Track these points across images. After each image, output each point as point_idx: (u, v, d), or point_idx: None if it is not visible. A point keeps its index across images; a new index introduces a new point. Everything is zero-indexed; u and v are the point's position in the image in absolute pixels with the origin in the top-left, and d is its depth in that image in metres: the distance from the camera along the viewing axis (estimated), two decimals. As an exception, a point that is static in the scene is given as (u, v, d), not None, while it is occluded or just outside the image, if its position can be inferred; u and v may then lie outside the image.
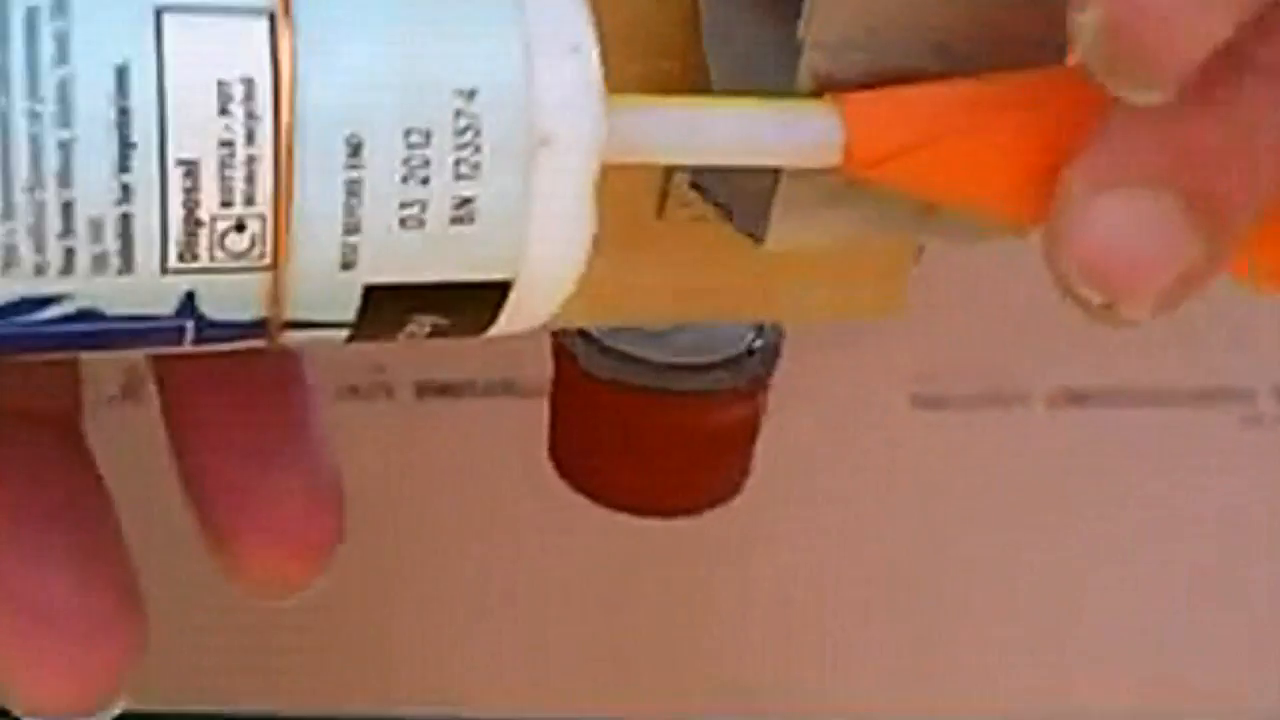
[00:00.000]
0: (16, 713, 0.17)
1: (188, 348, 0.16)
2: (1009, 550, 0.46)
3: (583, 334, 0.24)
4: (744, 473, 0.25)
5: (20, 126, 0.14)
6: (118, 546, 0.19)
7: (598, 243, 0.21)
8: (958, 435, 0.45)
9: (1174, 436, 0.45)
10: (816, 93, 0.18)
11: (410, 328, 0.16)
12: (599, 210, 0.17)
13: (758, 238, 0.20)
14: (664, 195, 0.22)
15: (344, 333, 0.16)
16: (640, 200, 0.22)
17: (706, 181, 0.21)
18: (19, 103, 0.14)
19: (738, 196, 0.20)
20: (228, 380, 0.20)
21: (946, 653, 0.43)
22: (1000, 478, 0.46)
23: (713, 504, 0.25)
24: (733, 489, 0.26)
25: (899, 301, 0.24)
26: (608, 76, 0.16)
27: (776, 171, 0.19)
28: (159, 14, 0.14)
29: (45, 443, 0.19)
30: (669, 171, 0.22)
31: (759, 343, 0.25)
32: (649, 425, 0.24)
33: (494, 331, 0.17)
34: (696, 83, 0.20)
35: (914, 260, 0.24)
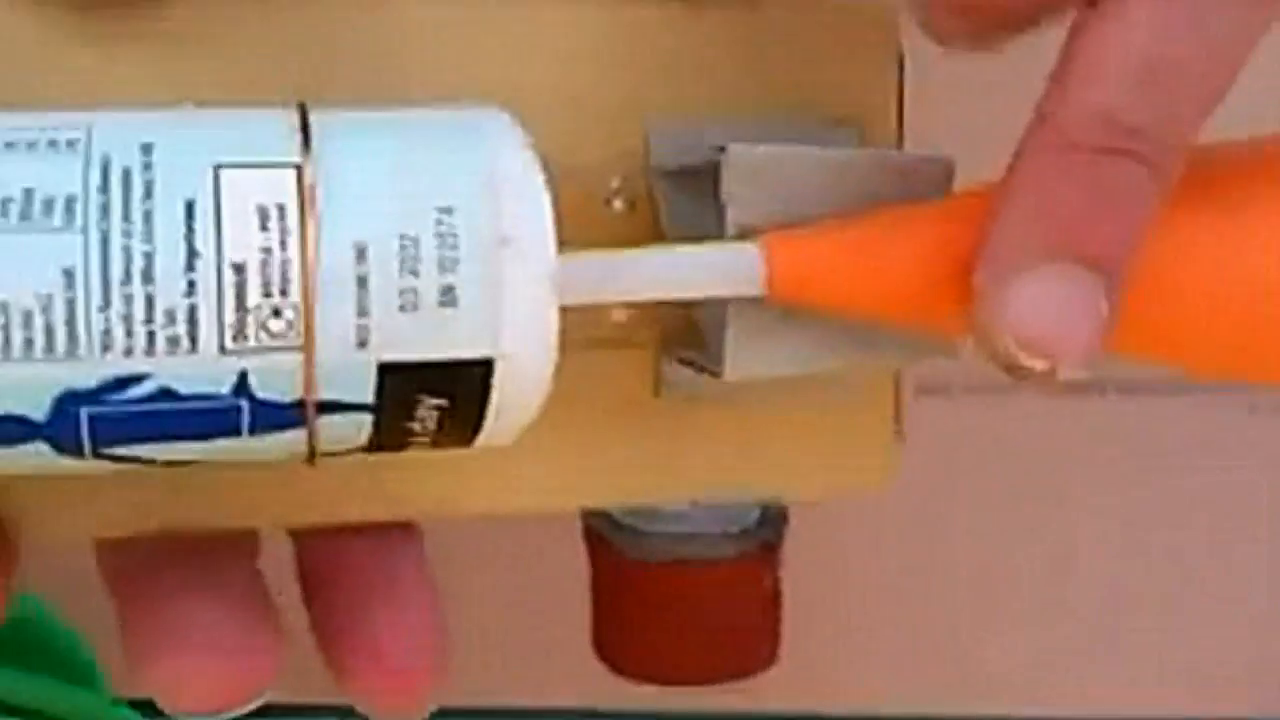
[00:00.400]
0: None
1: (245, 439, 0.20)
2: (1010, 536, 0.45)
3: (605, 516, 0.28)
4: (775, 638, 0.28)
5: (117, 243, 0.19)
6: (259, 579, 0.23)
7: (608, 427, 0.26)
8: (960, 422, 0.45)
9: (1179, 424, 0.45)
10: (741, 238, 0.23)
11: (420, 411, 0.21)
12: (562, 333, 0.21)
13: (717, 372, 0.24)
14: (658, 378, 0.26)
15: (368, 418, 0.21)
16: (636, 384, 0.26)
17: (683, 351, 0.26)
18: (117, 225, 0.19)
19: (701, 347, 0.25)
20: (352, 542, 0.24)
21: (945, 640, 0.40)
22: (1002, 465, 0.45)
23: (749, 669, 0.27)
24: (768, 654, 0.28)
25: (886, 476, 0.28)
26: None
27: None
28: (217, 169, 0.20)
29: None
30: (659, 355, 0.26)
31: (769, 512, 0.28)
32: (665, 595, 0.27)
33: (488, 423, 0.21)
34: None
35: (898, 437, 0.28)
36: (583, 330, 0.25)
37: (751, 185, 0.23)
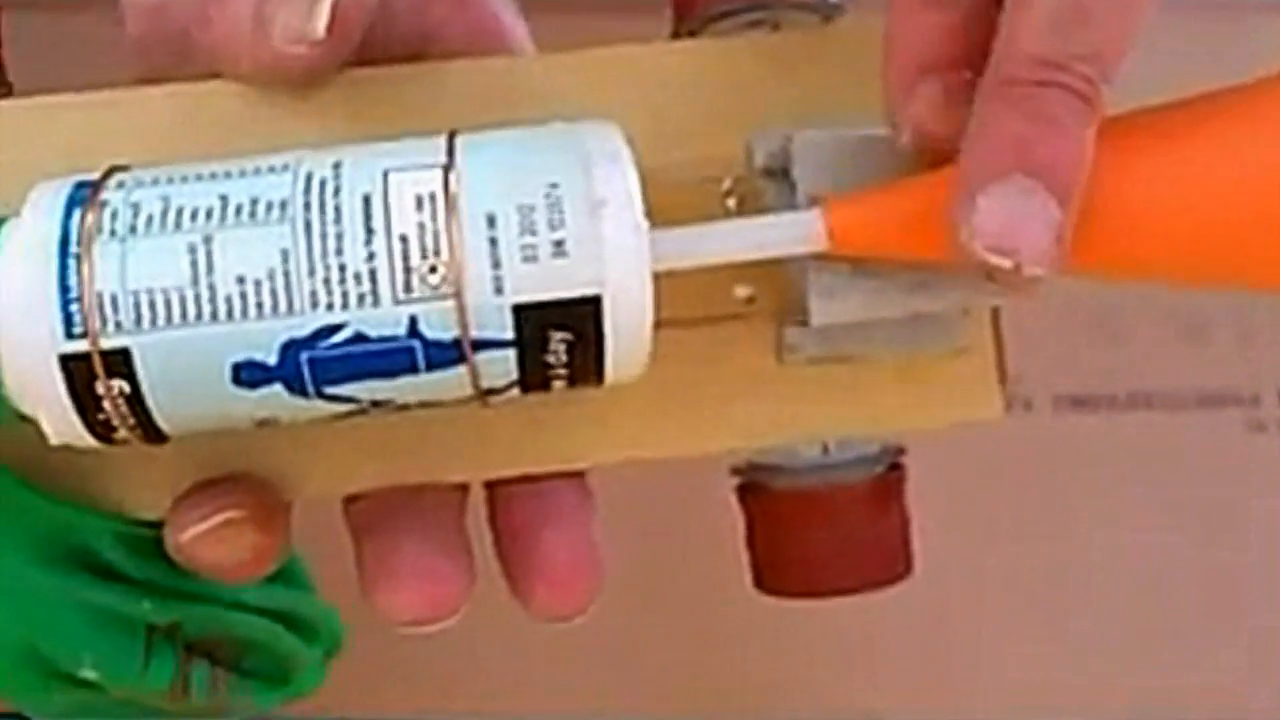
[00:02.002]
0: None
1: (423, 375, 0.27)
2: (1014, 550, 0.46)
3: (751, 464, 0.34)
4: (909, 550, 0.33)
5: (317, 229, 0.26)
6: (462, 523, 0.31)
7: (738, 390, 0.32)
8: (964, 438, 0.44)
9: (1179, 440, 0.45)
10: (809, 207, 0.29)
11: (552, 344, 0.27)
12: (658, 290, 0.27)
13: (806, 321, 0.30)
14: (780, 346, 0.32)
15: (512, 353, 0.27)
16: (761, 354, 0.32)
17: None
18: (316, 216, 0.26)
19: (799, 306, 0.30)
20: (529, 487, 0.31)
21: (950, 651, 0.40)
22: (1006, 480, 0.46)
23: (892, 578, 0.32)
24: (905, 566, 0.33)
25: (993, 405, 0.32)
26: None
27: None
28: (386, 173, 0.27)
29: None
30: (779, 327, 0.32)
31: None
32: (816, 516, 0.32)
33: (608, 354, 0.27)
34: None
35: (1001, 377, 0.32)
36: (711, 308, 0.32)
37: (814, 163, 0.29)
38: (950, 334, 0.32)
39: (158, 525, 0.31)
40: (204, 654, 0.33)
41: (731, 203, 0.32)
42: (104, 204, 0.27)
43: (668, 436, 0.32)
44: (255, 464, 0.31)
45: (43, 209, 0.27)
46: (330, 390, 0.27)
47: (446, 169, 0.27)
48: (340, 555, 0.31)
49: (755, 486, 0.33)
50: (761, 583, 0.33)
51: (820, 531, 0.32)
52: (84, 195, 0.27)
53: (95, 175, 0.28)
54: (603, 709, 0.47)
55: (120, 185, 0.27)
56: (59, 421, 0.27)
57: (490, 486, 0.32)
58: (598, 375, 0.28)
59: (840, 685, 0.48)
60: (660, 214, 0.27)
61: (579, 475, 0.32)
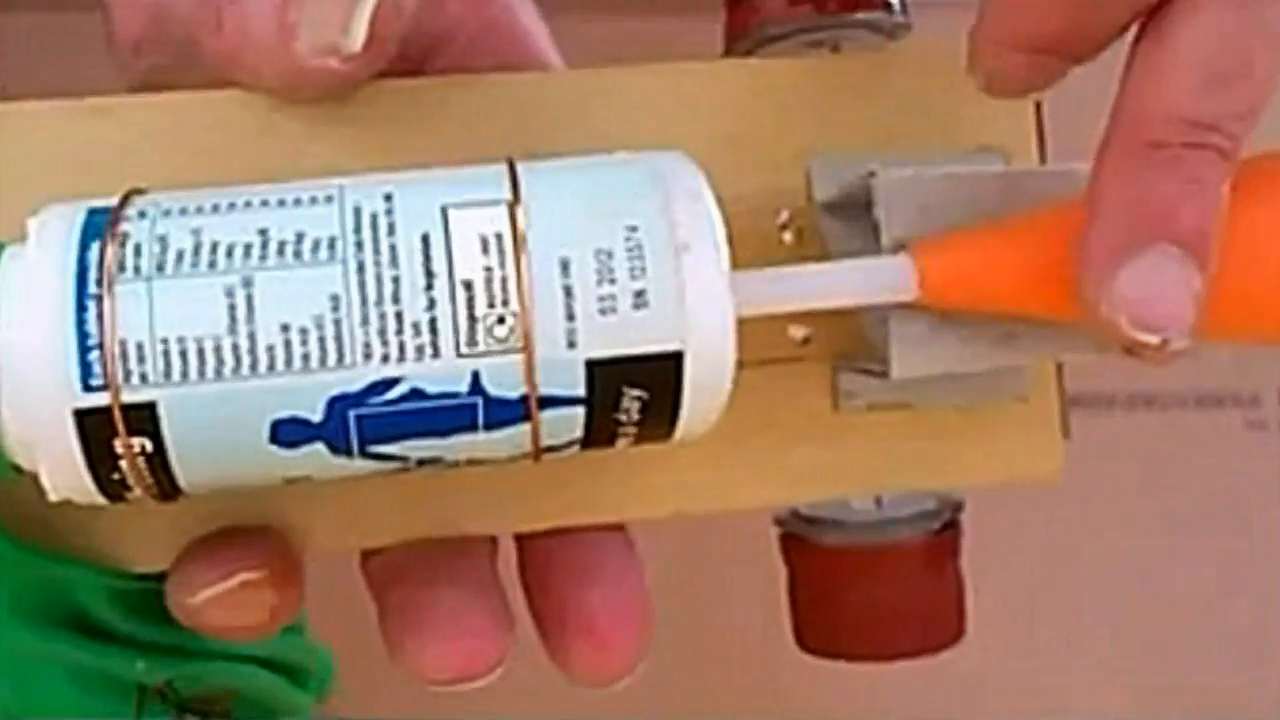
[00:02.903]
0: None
1: (481, 434, 0.24)
2: (1014, 550, 0.45)
3: (798, 516, 0.31)
4: (963, 612, 0.31)
5: (371, 272, 0.23)
6: (495, 574, 0.28)
7: (793, 438, 0.29)
8: None
9: (1179, 440, 0.44)
10: (894, 252, 0.27)
11: (624, 402, 0.25)
12: (740, 338, 0.25)
13: (885, 373, 0.27)
14: (836, 391, 0.30)
15: (581, 410, 0.24)
16: (817, 399, 0.30)
17: (855, 363, 0.29)
18: (370, 258, 0.24)
19: (871, 354, 0.28)
20: (567, 536, 0.28)
21: (949, 653, 0.41)
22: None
23: (944, 643, 0.30)
24: (958, 628, 0.31)
25: (1055, 464, 0.30)
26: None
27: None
28: (444, 209, 0.24)
29: None
30: (835, 371, 0.30)
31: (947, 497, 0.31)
32: (865, 576, 0.30)
33: (684, 411, 0.25)
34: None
35: (1064, 431, 0.31)
36: (765, 350, 0.29)
37: (899, 204, 0.27)
38: (1015, 383, 0.30)
39: (152, 578, 0.28)
40: (194, 710, 0.30)
41: (788, 236, 0.30)
42: (125, 236, 0.24)
43: (718, 489, 0.29)
44: (269, 516, 0.28)
45: (53, 239, 0.24)
46: (376, 449, 0.24)
47: (512, 206, 0.24)
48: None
49: (800, 539, 0.31)
50: (803, 641, 0.31)
51: (871, 593, 0.30)
52: (100, 224, 0.24)
53: (111, 200, 0.24)
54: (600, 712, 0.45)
55: (142, 215, 0.24)
56: (65, 478, 0.24)
57: (521, 539, 0.29)
58: (668, 433, 0.26)
59: (838, 690, 0.47)
60: None
61: (620, 528, 0.29)
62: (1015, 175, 0.28)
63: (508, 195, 0.24)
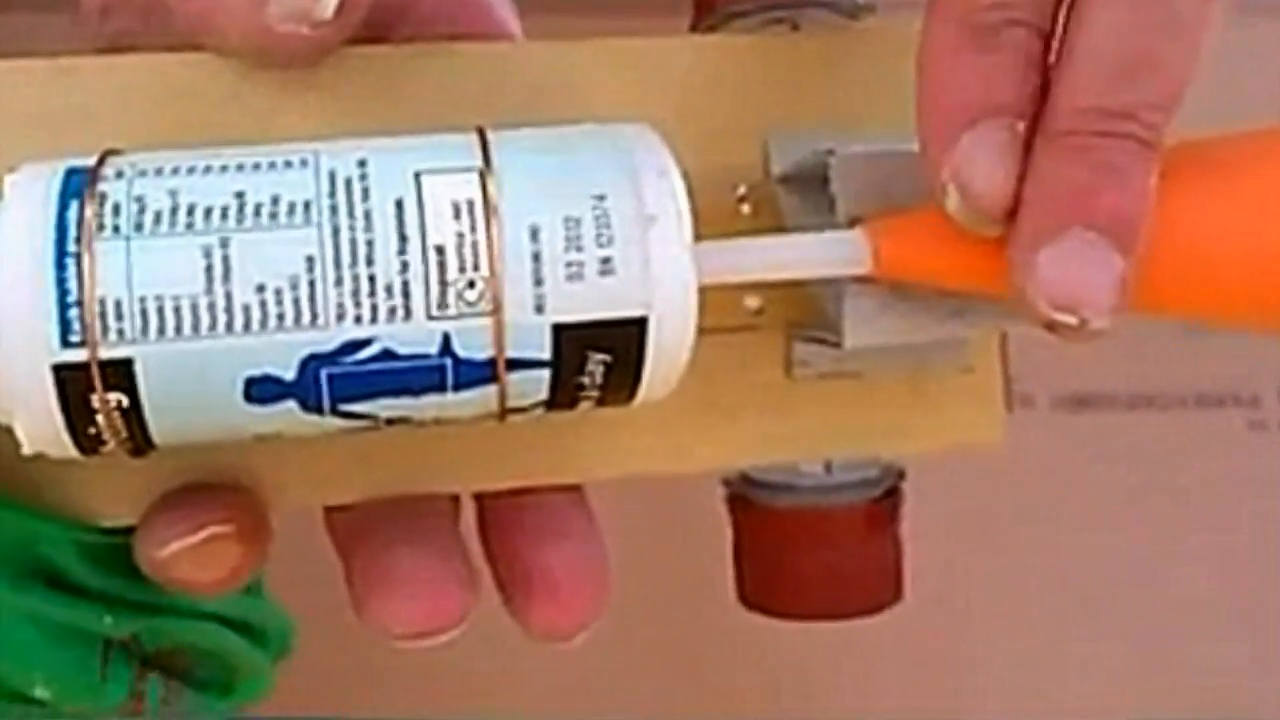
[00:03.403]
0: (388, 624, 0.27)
1: (449, 395, 0.25)
2: (1013, 551, 0.46)
3: (746, 478, 0.33)
4: (900, 577, 0.32)
5: (345, 235, 0.24)
6: (458, 533, 0.29)
7: (747, 404, 0.30)
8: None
9: (1179, 440, 0.45)
10: (849, 227, 0.28)
11: (589, 366, 0.25)
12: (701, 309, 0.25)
13: (838, 342, 0.28)
14: (789, 360, 0.31)
15: (546, 373, 0.25)
16: (770, 368, 0.31)
17: (809, 331, 0.30)
18: (344, 221, 0.24)
19: (825, 325, 0.29)
20: (525, 497, 0.29)
21: (948, 651, 0.41)
22: (1006, 480, 0.46)
23: (881, 605, 0.32)
24: (896, 592, 0.32)
25: (996, 432, 0.32)
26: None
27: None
28: (418, 175, 0.25)
29: None
30: (788, 340, 0.31)
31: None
32: (807, 540, 0.31)
33: (645, 376, 0.26)
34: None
35: (1006, 403, 0.32)
36: (721, 319, 0.30)
37: (855, 181, 0.28)
38: (959, 353, 0.31)
39: (120, 532, 0.28)
40: (157, 665, 0.31)
41: (746, 208, 0.30)
42: (103, 196, 0.24)
43: (672, 452, 0.30)
44: (236, 472, 0.29)
45: (31, 198, 0.24)
46: (347, 408, 0.25)
47: (484, 174, 0.25)
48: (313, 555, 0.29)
49: (747, 501, 0.32)
50: (746, 598, 0.32)
51: (814, 554, 0.31)
52: (79, 184, 0.24)
53: (88, 160, 0.25)
54: (596, 711, 0.46)
55: (119, 174, 0.25)
56: (41, 432, 0.24)
57: (480, 499, 0.30)
58: (629, 396, 0.26)
59: (834, 689, 0.48)
60: None
61: (577, 489, 0.30)
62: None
63: (479, 163, 0.25)
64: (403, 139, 0.26)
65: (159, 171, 0.25)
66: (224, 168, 0.25)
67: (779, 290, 0.30)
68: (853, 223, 0.28)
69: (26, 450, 0.25)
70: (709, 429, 0.30)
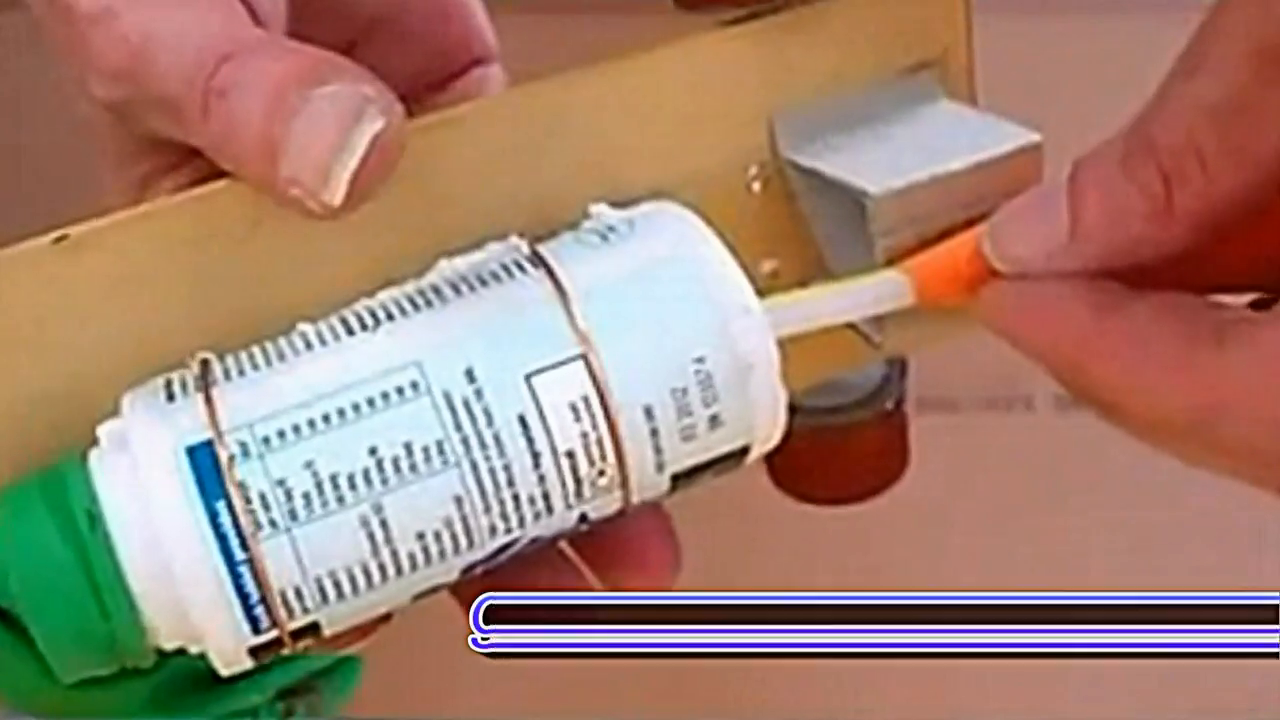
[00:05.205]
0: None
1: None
2: (1013, 549, 0.48)
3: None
4: (904, 460, 0.37)
5: (484, 468, 0.25)
6: None
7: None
8: (965, 437, 0.47)
9: None
10: (889, 264, 0.29)
11: (699, 482, 0.28)
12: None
13: (876, 346, 0.31)
14: None
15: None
16: None
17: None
18: (479, 455, 0.25)
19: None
20: None
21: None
22: (1005, 479, 0.48)
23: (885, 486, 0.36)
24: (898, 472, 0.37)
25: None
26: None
27: None
28: (529, 379, 0.26)
29: None
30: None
31: (886, 373, 0.36)
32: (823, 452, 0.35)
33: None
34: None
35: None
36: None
37: (889, 220, 0.29)
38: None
39: None
40: (289, 695, 0.34)
41: (757, 186, 0.31)
42: (244, 488, 0.25)
43: None
44: None
45: (164, 489, 0.25)
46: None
47: (587, 358, 0.26)
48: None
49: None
50: (780, 483, 0.36)
51: (836, 461, 0.34)
52: (210, 469, 0.25)
53: (200, 430, 0.25)
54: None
55: (245, 451, 0.25)
56: (232, 667, 0.27)
57: None
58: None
59: (839, 691, 0.48)
60: (691, 207, 0.28)
61: None
62: (984, 165, 0.30)
63: (578, 345, 0.26)
64: (487, 321, 0.26)
65: (282, 436, 0.25)
66: (340, 413, 0.25)
67: (791, 253, 0.32)
68: (890, 259, 0.29)
69: (223, 673, 0.27)
70: None
